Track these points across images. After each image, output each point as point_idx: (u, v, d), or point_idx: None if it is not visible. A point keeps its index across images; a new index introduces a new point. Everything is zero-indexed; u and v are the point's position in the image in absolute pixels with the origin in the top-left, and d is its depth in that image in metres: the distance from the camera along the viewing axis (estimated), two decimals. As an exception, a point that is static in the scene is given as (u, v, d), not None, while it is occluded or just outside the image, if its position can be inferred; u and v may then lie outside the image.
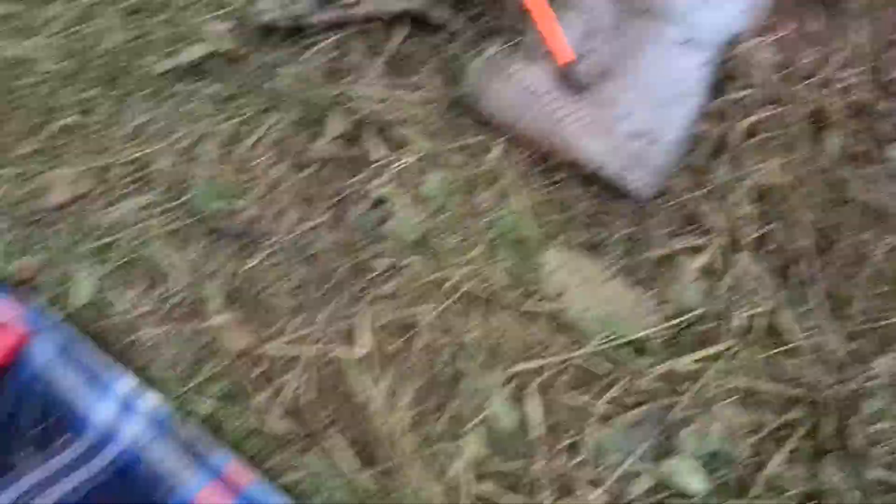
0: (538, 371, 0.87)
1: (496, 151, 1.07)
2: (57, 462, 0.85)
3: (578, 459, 0.81)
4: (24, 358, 0.91)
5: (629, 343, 0.89)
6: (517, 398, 0.86)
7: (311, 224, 1.01)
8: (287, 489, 0.79)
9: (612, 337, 0.89)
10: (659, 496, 0.78)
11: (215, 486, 0.80)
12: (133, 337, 0.93)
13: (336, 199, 1.03)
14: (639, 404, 0.85)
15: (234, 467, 0.81)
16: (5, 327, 0.90)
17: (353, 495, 0.79)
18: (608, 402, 0.85)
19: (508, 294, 0.94)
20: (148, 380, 0.88)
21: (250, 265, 0.97)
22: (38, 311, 0.95)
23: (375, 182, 1.04)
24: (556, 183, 1.05)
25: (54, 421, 0.87)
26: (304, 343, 0.90)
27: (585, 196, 1.03)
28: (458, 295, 0.93)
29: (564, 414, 0.84)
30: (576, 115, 1.06)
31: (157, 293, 0.96)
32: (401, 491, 0.79)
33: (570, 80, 1.09)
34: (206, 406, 0.86)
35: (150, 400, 0.87)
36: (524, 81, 1.09)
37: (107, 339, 0.92)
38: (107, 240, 1.01)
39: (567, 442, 0.82)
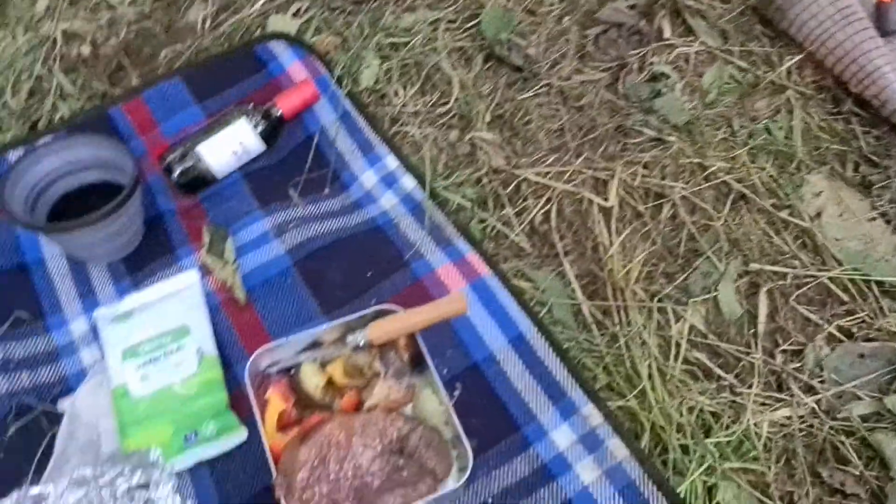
0: (776, 276, 0.87)
1: (784, 65, 1.04)
2: (319, 207, 0.96)
3: (796, 365, 0.81)
4: (312, 113, 1.03)
5: (877, 283, 0.86)
6: (748, 293, 0.87)
7: (586, 78, 1.04)
8: (514, 292, 0.85)
9: (860, 271, 0.87)
10: (876, 423, 0.77)
11: (455, 268, 0.87)
12: (401, 129, 1.02)
13: (615, 63, 1.05)
14: (870, 340, 0.83)
15: (474, 258, 0.88)
16: (306, 83, 1.01)
17: (573, 319, 0.84)
18: (840, 328, 0.84)
19: (764, 199, 0.93)
20: (408, 167, 0.97)
21: (521, 98, 1.02)
22: (329, 80, 1.05)
23: (657, 59, 1.04)
24: (839, 113, 1.01)
25: (325, 172, 0.98)
26: (557, 178, 0.94)
27: (868, 134, 0.99)
28: (714, 182, 0.94)
29: (792, 323, 0.84)
30: (887, 55, 1.00)
31: (431, 98, 1.04)
32: (619, 329, 0.83)
33: (886, 21, 1.02)
34: (457, 202, 0.93)
35: (409, 182, 0.96)
36: (840, 2, 1.03)
37: (378, 124, 1.01)
38: (397, 40, 1.09)
39: (789, 347, 0.83)
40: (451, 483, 0.70)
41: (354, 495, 0.68)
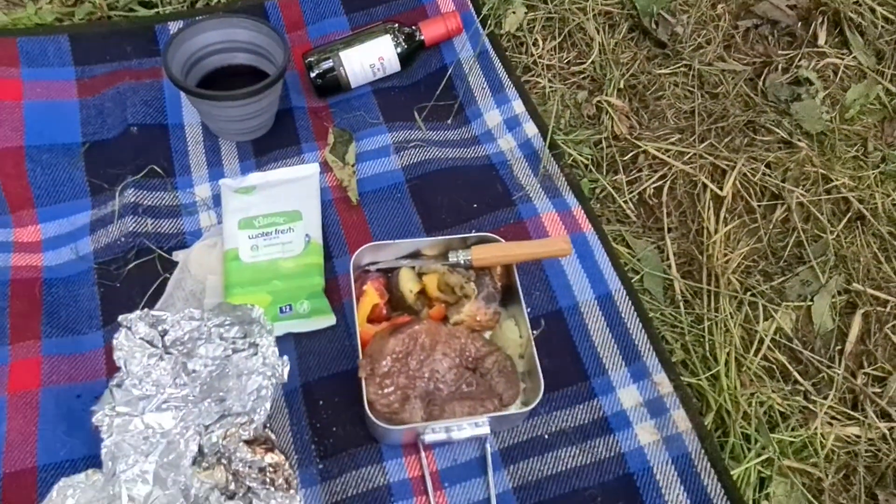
0: (876, 301, 0.86)
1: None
2: (440, 134, 0.99)
3: (877, 390, 0.80)
4: (451, 45, 1.06)
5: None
6: (844, 311, 0.86)
7: (728, 67, 1.03)
8: (611, 254, 0.87)
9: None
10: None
11: (559, 217, 0.89)
12: (533, 79, 1.04)
13: (761, 59, 1.03)
14: (960, 386, 0.81)
15: (579, 213, 0.90)
16: (452, 15, 1.04)
17: (662, 292, 0.86)
18: (931, 366, 0.82)
19: (882, 224, 0.91)
20: (533, 115, 0.99)
21: (658, 73, 1.03)
22: (474, 17, 1.08)
23: (805, 63, 1.02)
24: (982, 159, 0.97)
25: (452, 104, 1.01)
26: (677, 157, 0.95)
27: None
28: (835, 196, 0.92)
29: (882, 350, 0.83)
30: None
31: (568, 55, 1.05)
32: (705, 313, 0.84)
33: None
34: (573, 158, 0.95)
35: (531, 129, 0.98)
36: None
37: (512, 69, 1.03)
38: (546, -6, 1.11)
39: (873, 371, 0.82)
40: (515, 409, 0.73)
41: (425, 395, 0.73)
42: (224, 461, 0.64)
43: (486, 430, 0.71)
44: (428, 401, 0.73)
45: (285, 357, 0.68)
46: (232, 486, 0.61)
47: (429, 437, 0.70)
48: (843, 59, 1.03)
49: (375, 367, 0.71)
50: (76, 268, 0.87)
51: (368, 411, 0.69)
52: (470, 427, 0.71)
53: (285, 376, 0.67)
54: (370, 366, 0.71)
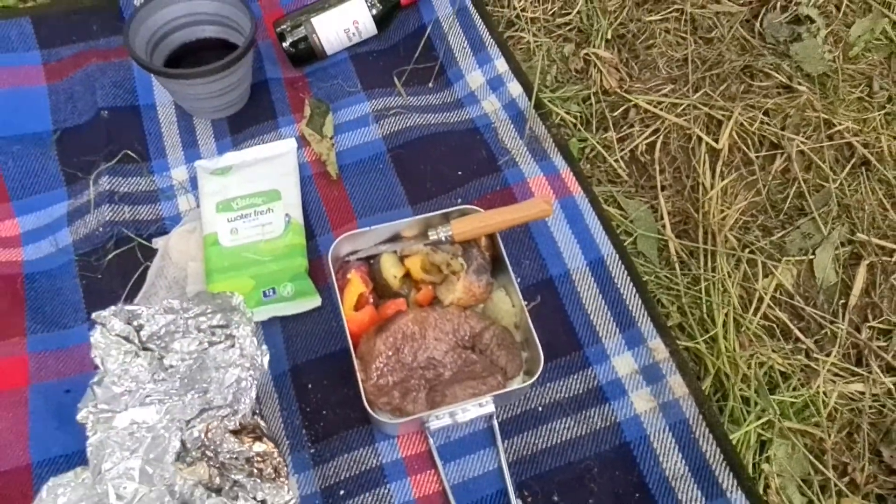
0: (882, 251, 0.82)
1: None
2: (421, 99, 0.95)
3: (882, 343, 0.78)
4: (429, 3, 1.00)
5: None
6: (848, 263, 0.83)
7: (722, 9, 0.97)
8: (602, 216, 0.84)
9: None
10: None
11: (547, 181, 0.86)
12: (516, 34, 0.99)
13: (758, -2, 0.98)
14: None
15: (567, 175, 0.86)
16: (427, -30, 0.99)
17: (657, 254, 0.83)
18: (939, 316, 0.79)
19: (889, 169, 0.86)
20: (517, 73, 0.94)
21: (648, 19, 0.97)
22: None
23: (805, 0, 0.96)
24: None
25: (433, 66, 0.97)
26: (670, 110, 0.90)
27: None
28: (838, 142, 0.88)
29: (888, 302, 0.80)
30: None
31: (552, 7, 1.00)
32: (702, 273, 0.81)
33: None
34: (560, 117, 0.91)
35: (515, 89, 0.94)
36: None
37: (494, 24, 0.98)
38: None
39: (878, 324, 0.79)
40: (519, 382, 0.72)
41: (427, 384, 0.71)
42: (210, 454, 0.63)
43: (490, 408, 0.70)
44: (430, 388, 0.71)
45: (264, 347, 0.66)
46: (217, 481, 0.61)
47: (434, 425, 0.69)
48: (846, -8, 0.97)
49: (369, 371, 0.69)
50: (57, 260, 0.85)
51: (370, 410, 0.68)
52: (474, 408, 0.69)
53: (265, 365, 0.66)
54: (363, 370, 0.70)
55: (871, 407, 0.74)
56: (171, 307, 0.69)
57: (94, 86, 0.95)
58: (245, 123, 0.94)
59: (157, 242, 0.86)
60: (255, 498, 0.61)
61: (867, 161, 0.87)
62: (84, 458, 0.67)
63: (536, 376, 0.69)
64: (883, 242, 0.83)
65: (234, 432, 0.66)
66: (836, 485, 0.69)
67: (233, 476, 0.61)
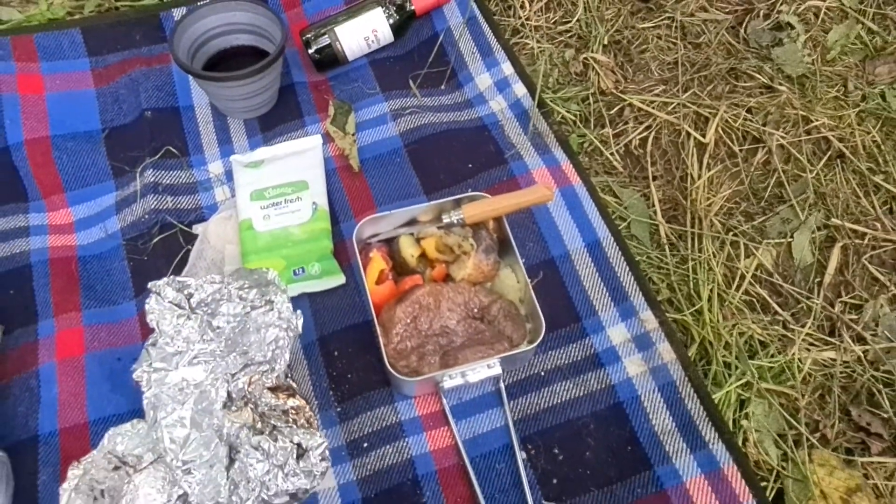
0: (854, 234, 0.90)
1: (917, 36, 1.03)
2: (434, 100, 1.04)
3: (853, 316, 0.86)
4: (441, 13, 1.10)
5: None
6: (823, 245, 0.91)
7: (710, 17, 1.06)
8: (599, 204, 0.92)
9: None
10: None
11: (549, 172, 0.95)
12: (521, 41, 1.08)
13: (742, 6, 1.06)
14: (935, 310, 0.86)
15: (568, 167, 0.95)
16: (440, -17, 1.08)
17: (649, 237, 0.91)
18: (907, 292, 0.87)
19: (861, 161, 0.95)
20: (522, 76, 1.03)
21: (641, 27, 1.06)
22: (461, -15, 1.12)
23: (786, 8, 1.05)
24: (962, 91, 0.99)
25: (444, 70, 1.06)
26: (661, 108, 0.99)
27: None
28: (815, 136, 0.96)
29: (860, 280, 0.88)
30: None
31: (554, 16, 1.09)
32: (689, 254, 0.89)
33: None
34: (562, 115, 1.00)
35: (520, 90, 1.03)
36: None
37: (500, 32, 1.08)
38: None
39: (850, 300, 0.87)
40: (524, 347, 0.80)
41: (440, 348, 0.80)
42: (251, 405, 0.72)
43: (497, 370, 0.78)
44: (443, 353, 0.80)
45: (299, 311, 0.75)
46: (259, 425, 0.69)
47: (447, 384, 0.78)
48: (824, 1, 1.05)
49: (389, 336, 0.78)
50: (107, 245, 0.94)
51: (391, 369, 0.77)
52: (483, 369, 0.78)
53: (300, 328, 0.74)
54: (385, 336, 0.78)
55: (842, 373, 0.82)
56: (215, 280, 0.78)
57: (139, 89, 1.05)
58: (274, 122, 1.04)
59: (198, 228, 0.95)
60: (291, 440, 0.69)
61: (842, 154, 0.95)
62: (134, 416, 0.76)
63: (539, 341, 0.78)
64: (856, 227, 0.91)
65: (271, 389, 0.75)
66: (808, 439, 0.77)
67: (272, 422, 0.70)
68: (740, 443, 0.76)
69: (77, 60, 1.09)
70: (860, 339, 0.84)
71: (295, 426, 0.71)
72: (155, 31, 1.12)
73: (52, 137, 1.01)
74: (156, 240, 0.93)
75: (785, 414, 0.78)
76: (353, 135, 1.00)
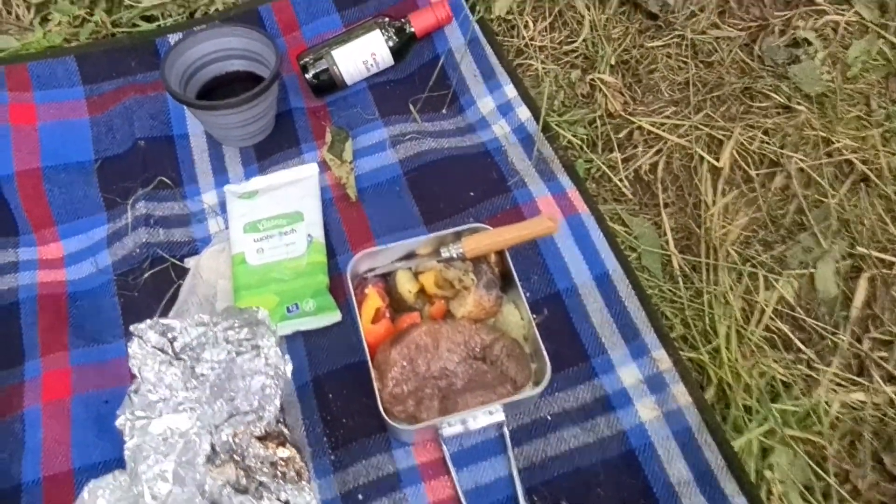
0: (882, 263, 0.85)
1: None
2: (435, 125, 1.01)
3: (883, 354, 0.80)
4: (442, 34, 1.06)
5: None
6: (848, 276, 0.85)
7: (722, 34, 1.01)
8: (608, 233, 0.87)
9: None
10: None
11: (554, 200, 0.90)
12: (525, 62, 1.04)
13: (756, 22, 1.01)
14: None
15: (574, 194, 0.91)
16: (441, 4, 1.05)
17: (660, 268, 0.86)
18: (940, 327, 0.81)
19: (888, 185, 0.89)
20: (526, 99, 0.99)
21: (650, 45, 1.02)
22: (463, 4, 1.08)
23: (802, 23, 1.00)
24: None
25: (446, 94, 1.03)
26: (672, 130, 0.94)
27: None
28: (836, 159, 0.91)
29: (889, 314, 0.82)
30: None
31: (559, 35, 1.05)
32: (704, 286, 0.84)
33: None
34: (567, 139, 0.96)
35: (524, 113, 0.99)
36: None
37: (503, 53, 1.04)
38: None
39: (879, 335, 0.81)
40: (529, 391, 0.75)
41: (439, 392, 0.75)
42: (237, 458, 0.67)
43: (500, 416, 0.73)
44: (442, 397, 0.75)
45: (287, 356, 0.71)
46: (244, 482, 0.65)
47: (447, 431, 0.73)
48: (843, 15, 1.00)
49: (385, 380, 0.74)
50: (97, 280, 0.91)
51: (386, 417, 0.72)
52: (484, 416, 0.73)
53: (288, 374, 0.70)
54: (380, 380, 0.74)
55: (872, 416, 0.76)
56: (202, 321, 0.74)
57: (132, 117, 1.02)
58: (270, 150, 1.00)
59: (189, 262, 0.92)
60: (278, 498, 0.65)
61: (866, 177, 0.90)
62: (121, 463, 0.72)
63: (544, 385, 0.73)
64: (883, 255, 0.85)
65: (260, 438, 0.71)
66: (837, 492, 0.71)
67: (258, 478, 0.66)
68: (763, 496, 0.70)
69: (72, 89, 1.07)
70: (891, 379, 0.78)
71: (283, 481, 0.66)
72: (151, 57, 1.09)
73: (43, 169, 0.99)
74: (147, 275, 0.89)
75: (812, 463, 0.72)
76: (350, 162, 0.96)
